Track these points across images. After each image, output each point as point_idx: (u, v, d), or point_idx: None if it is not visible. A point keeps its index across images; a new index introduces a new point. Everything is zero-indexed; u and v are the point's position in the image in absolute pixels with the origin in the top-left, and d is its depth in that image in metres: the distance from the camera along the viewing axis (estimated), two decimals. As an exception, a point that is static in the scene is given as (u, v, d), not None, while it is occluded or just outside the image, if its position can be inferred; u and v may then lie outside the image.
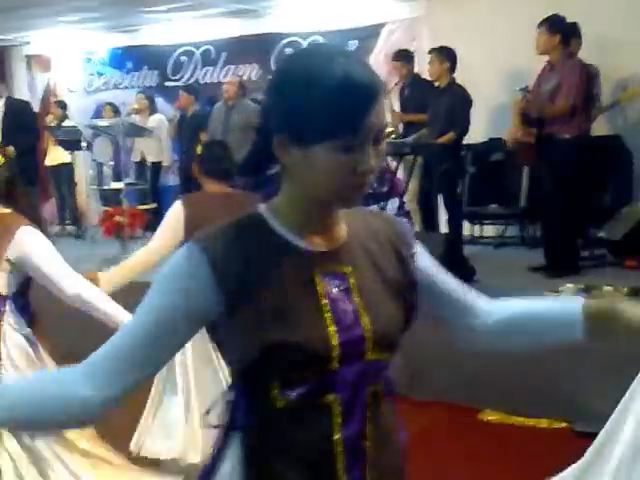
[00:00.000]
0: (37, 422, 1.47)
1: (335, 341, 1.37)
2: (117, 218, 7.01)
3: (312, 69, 1.30)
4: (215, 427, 1.48)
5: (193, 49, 10.52)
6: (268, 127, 1.36)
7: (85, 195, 10.38)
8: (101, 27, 10.83)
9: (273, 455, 1.40)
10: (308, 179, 1.34)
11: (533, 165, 6.63)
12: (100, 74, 11.48)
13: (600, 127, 7.05)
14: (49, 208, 11.10)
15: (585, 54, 6.24)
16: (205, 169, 3.85)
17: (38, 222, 3.00)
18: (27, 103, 9.11)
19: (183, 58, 10.63)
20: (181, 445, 3.67)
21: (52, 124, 9.87)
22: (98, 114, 10.44)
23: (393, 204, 7.42)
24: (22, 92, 11.54)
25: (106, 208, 7.57)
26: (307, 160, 1.31)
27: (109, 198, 8.42)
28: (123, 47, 11.17)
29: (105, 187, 7.69)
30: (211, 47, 10.38)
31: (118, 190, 7.33)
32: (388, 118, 8.03)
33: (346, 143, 1.29)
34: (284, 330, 1.35)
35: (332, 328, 1.37)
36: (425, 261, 1.55)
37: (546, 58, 6.10)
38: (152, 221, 8.86)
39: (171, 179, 9.85)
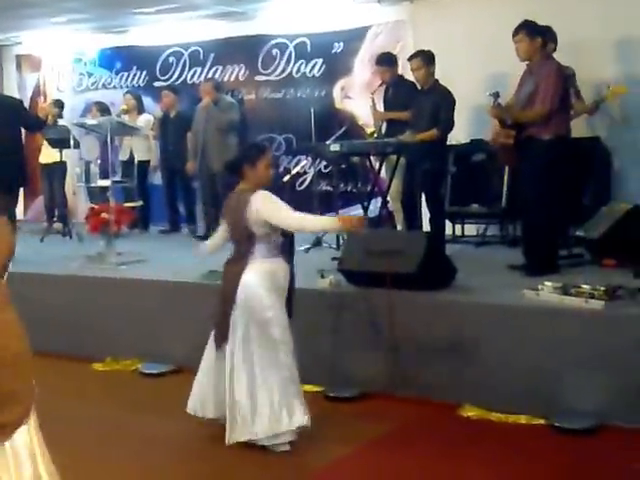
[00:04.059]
0: None
1: None
2: (104, 215, 7.07)
3: None
4: None
5: (181, 50, 10.60)
6: None
7: (72, 193, 10.47)
8: (91, 28, 10.91)
9: None
10: None
11: (513, 166, 6.73)
12: (89, 74, 11.55)
13: (580, 129, 7.15)
14: (37, 206, 11.19)
15: (561, 57, 6.34)
16: None
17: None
18: (19, 100, 9.16)
19: (171, 59, 10.70)
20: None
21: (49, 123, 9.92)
22: (87, 113, 10.51)
23: (376, 203, 7.53)
24: (12, 91, 11.64)
25: (92, 205, 7.63)
26: None
27: (96, 196, 8.51)
28: (112, 48, 11.24)
29: (92, 185, 7.74)
30: (199, 48, 10.46)
31: (105, 188, 7.39)
32: (371, 117, 8.16)
33: None
34: None
35: None
36: None
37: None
38: (138, 218, 8.99)
39: (157, 177, 9.96)
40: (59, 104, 10.37)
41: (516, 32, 5.98)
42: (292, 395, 4.22)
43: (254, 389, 4.20)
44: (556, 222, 6.04)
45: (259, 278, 4.24)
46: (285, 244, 4.50)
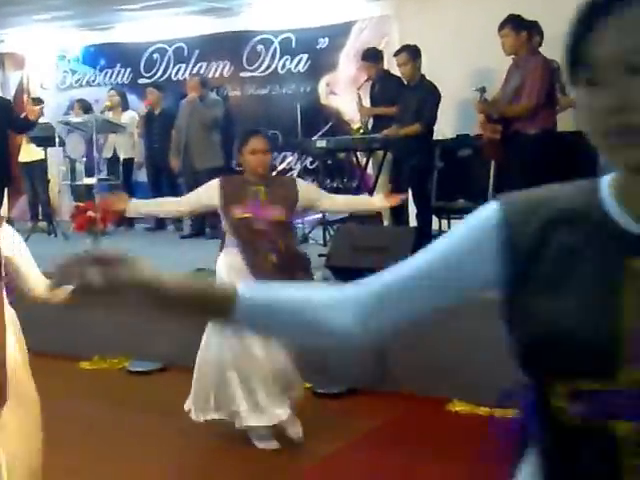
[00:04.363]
0: (293, 339, 1.41)
1: (626, 349, 1.08)
2: (90, 213, 7.02)
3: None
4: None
5: (166, 46, 10.57)
6: None
7: (57, 191, 10.41)
8: (74, 25, 10.85)
9: None
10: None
11: (500, 160, 6.74)
12: (73, 71, 11.50)
13: (565, 123, 7.16)
14: (21, 205, 11.11)
15: (546, 51, 6.35)
16: None
17: None
18: (8, 101, 9.11)
19: (156, 55, 10.67)
20: None
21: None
22: (70, 111, 10.46)
23: (363, 199, 7.52)
24: (-5, 90, 11.58)
25: (77, 203, 7.59)
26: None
27: (81, 194, 8.47)
28: (96, 45, 11.20)
29: (78, 183, 7.70)
30: (184, 44, 10.43)
31: (90, 186, 7.35)
32: (357, 113, 8.16)
33: (585, 77, 1.09)
34: (567, 315, 1.11)
35: (628, 327, 1.08)
36: None
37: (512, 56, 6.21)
38: (125, 217, 8.94)
39: (142, 175, 9.91)
40: (39, 101, 10.32)
41: (502, 27, 5.99)
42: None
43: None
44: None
45: None
46: None
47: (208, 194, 4.33)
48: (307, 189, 4.42)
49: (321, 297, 1.26)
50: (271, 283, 1.28)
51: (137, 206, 4.60)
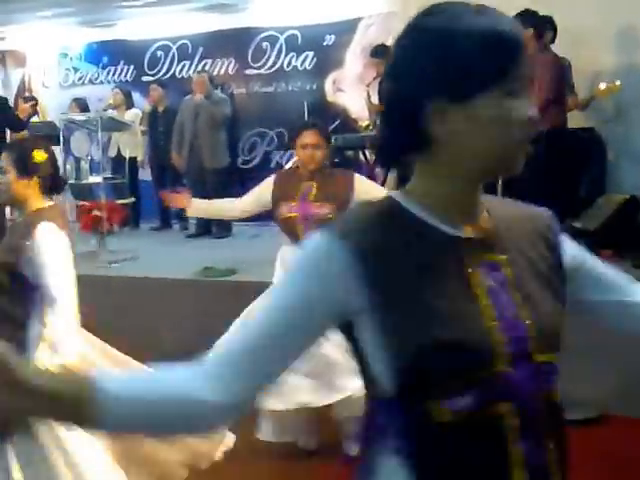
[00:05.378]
0: (155, 429, 1.27)
1: (499, 337, 1.20)
2: (95, 212, 6.98)
3: (456, 21, 1.19)
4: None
5: (169, 44, 10.48)
6: (416, 98, 1.20)
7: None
8: (77, 22, 10.79)
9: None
10: (467, 143, 1.19)
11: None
12: (76, 69, 11.42)
13: (575, 120, 7.12)
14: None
15: (558, 46, 6.29)
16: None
17: None
18: (4, 99, 9.03)
19: (159, 53, 10.59)
20: None
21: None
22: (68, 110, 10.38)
23: (371, 197, 7.45)
24: (-4, 88, 11.51)
25: (83, 203, 7.52)
26: (469, 119, 1.18)
27: (86, 193, 8.39)
28: (99, 42, 11.11)
29: (83, 181, 7.64)
30: (187, 42, 10.34)
31: (95, 184, 7.29)
32: (366, 111, 8.09)
33: (511, 87, 1.18)
34: (441, 327, 1.18)
35: (494, 323, 1.21)
36: (571, 246, 1.39)
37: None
38: (130, 216, 8.88)
39: (147, 173, 9.82)
40: (33, 101, 10.25)
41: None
42: None
43: None
44: (553, 213, 6.00)
45: None
46: None
47: (264, 192, 4.20)
48: (365, 186, 4.11)
49: (177, 376, 1.22)
50: (117, 375, 1.31)
51: (198, 206, 4.47)
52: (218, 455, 3.25)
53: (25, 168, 3.02)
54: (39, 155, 3.03)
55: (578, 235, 6.66)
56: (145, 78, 10.54)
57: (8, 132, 8.42)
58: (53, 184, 3.12)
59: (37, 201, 3.05)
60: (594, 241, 6.25)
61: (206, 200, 4.80)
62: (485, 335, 1.19)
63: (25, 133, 8.79)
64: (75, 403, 1.13)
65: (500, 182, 7.48)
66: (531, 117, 1.19)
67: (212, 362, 1.21)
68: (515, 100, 1.18)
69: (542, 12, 6.15)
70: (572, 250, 1.37)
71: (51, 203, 3.10)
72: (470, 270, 1.22)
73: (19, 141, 3.71)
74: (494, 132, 1.18)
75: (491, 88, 1.17)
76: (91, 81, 11.28)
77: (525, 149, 1.21)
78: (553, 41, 6.45)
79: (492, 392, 1.19)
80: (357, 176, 4.21)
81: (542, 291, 1.28)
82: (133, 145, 9.59)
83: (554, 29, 6.50)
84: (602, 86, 6.85)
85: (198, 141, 8.56)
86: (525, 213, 1.37)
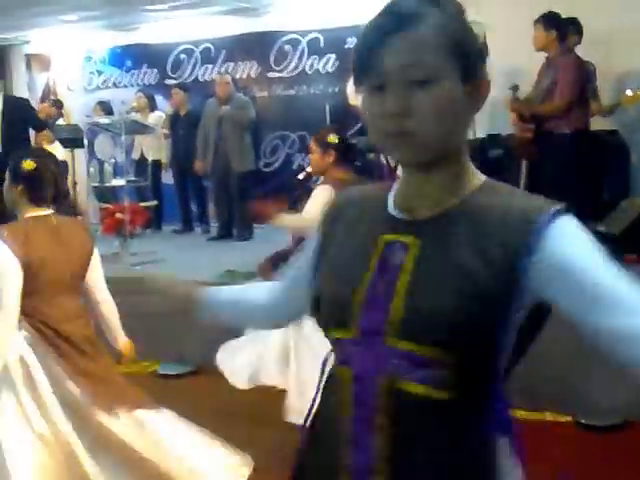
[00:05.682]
0: (236, 320, 1.89)
1: (357, 309, 1.30)
2: (118, 215, 7.02)
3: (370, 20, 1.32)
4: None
5: (193, 47, 10.54)
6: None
7: (85, 194, 10.37)
8: (101, 26, 10.85)
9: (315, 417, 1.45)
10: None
11: (532, 160, 6.66)
12: (100, 72, 11.49)
13: (598, 123, 7.08)
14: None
15: (582, 50, 6.26)
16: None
17: None
18: (26, 100, 9.13)
19: (183, 56, 10.65)
20: None
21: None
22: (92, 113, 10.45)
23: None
24: (22, 91, 11.56)
25: (106, 205, 7.56)
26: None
27: (109, 195, 8.44)
28: (123, 45, 11.19)
29: (107, 184, 7.69)
30: (211, 45, 10.39)
31: (119, 187, 7.34)
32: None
33: (375, 82, 1.27)
34: (326, 280, 1.39)
35: (361, 297, 1.30)
36: (562, 251, 1.25)
37: (545, 54, 6.12)
38: (153, 218, 8.92)
39: (169, 176, 9.84)
40: (58, 104, 10.33)
41: (536, 21, 5.95)
42: None
43: None
44: (576, 217, 5.96)
45: None
46: None
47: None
48: None
49: (255, 288, 1.77)
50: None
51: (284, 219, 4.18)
52: None
53: (15, 176, 3.10)
54: (27, 164, 3.07)
55: (602, 239, 6.61)
56: (168, 81, 10.59)
57: (32, 133, 8.53)
58: (38, 194, 3.10)
59: (27, 209, 3.11)
60: (618, 246, 6.21)
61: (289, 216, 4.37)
62: (348, 303, 1.31)
63: (49, 135, 8.91)
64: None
65: (522, 186, 7.51)
66: (388, 111, 1.24)
67: (275, 282, 1.64)
68: (381, 95, 1.25)
69: (568, 15, 6.12)
70: (562, 256, 1.24)
71: (46, 212, 3.13)
72: (382, 245, 1.33)
73: (22, 150, 3.76)
74: (369, 124, 1.30)
75: (363, 83, 1.29)
76: (115, 84, 11.36)
77: (396, 141, 1.26)
78: (578, 43, 6.41)
79: (340, 354, 1.34)
80: None
81: (449, 284, 1.23)
82: (156, 148, 9.64)
83: (579, 32, 6.47)
84: (629, 93, 6.78)
85: (223, 144, 8.52)
86: (513, 207, 1.27)
